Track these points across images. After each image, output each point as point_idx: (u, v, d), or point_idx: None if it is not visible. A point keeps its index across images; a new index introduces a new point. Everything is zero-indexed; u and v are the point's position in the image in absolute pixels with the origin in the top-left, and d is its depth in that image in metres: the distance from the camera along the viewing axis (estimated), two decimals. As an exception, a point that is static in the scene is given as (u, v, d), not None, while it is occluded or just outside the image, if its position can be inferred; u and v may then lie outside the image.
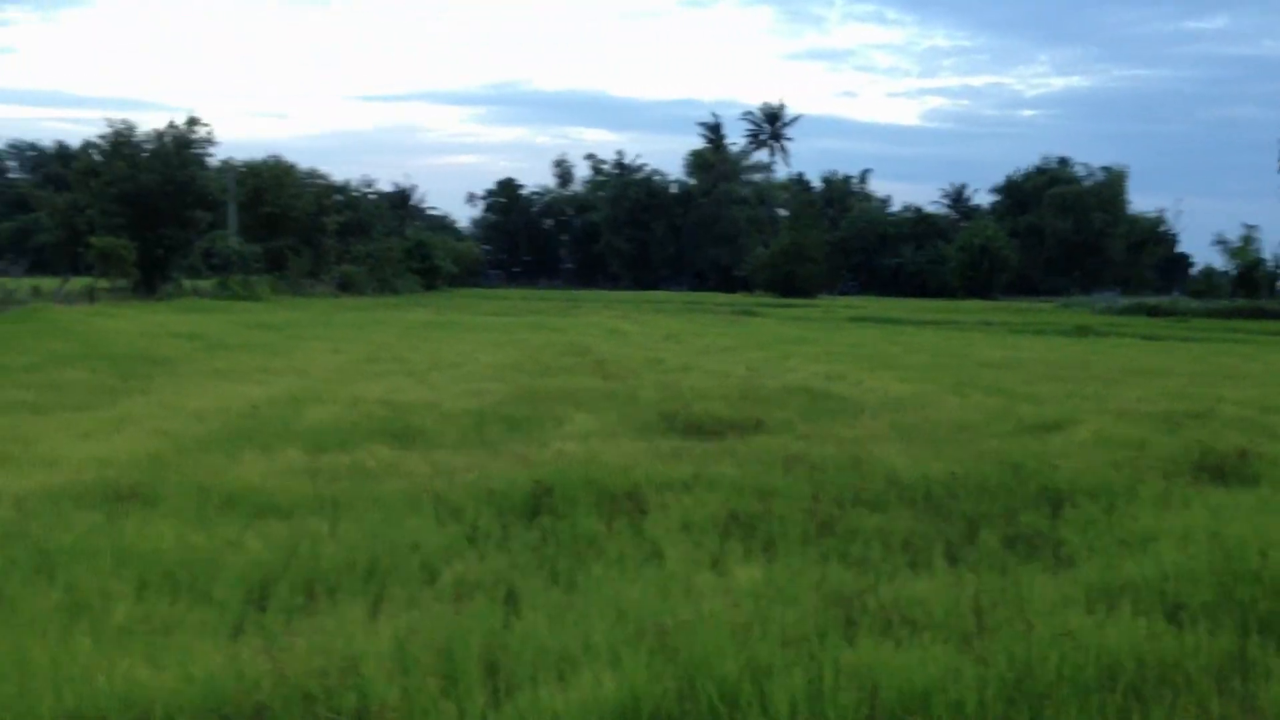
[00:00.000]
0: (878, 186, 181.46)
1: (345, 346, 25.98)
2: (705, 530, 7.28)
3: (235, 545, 6.99)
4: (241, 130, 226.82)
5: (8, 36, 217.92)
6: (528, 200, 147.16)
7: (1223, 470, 10.27)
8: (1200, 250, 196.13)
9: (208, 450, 10.65)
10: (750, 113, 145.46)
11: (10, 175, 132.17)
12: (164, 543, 6.99)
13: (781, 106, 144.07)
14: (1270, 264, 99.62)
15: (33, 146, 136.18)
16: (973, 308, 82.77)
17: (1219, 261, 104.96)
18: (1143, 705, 4.61)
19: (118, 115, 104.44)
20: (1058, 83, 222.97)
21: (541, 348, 26.23)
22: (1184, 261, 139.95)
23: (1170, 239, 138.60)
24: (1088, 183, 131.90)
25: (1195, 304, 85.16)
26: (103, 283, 53.80)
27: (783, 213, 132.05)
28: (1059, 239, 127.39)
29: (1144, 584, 6.31)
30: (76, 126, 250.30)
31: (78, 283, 53.18)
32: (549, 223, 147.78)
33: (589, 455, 9.54)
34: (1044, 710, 4.49)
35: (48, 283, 53.84)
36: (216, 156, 69.36)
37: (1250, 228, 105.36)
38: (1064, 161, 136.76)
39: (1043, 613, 5.65)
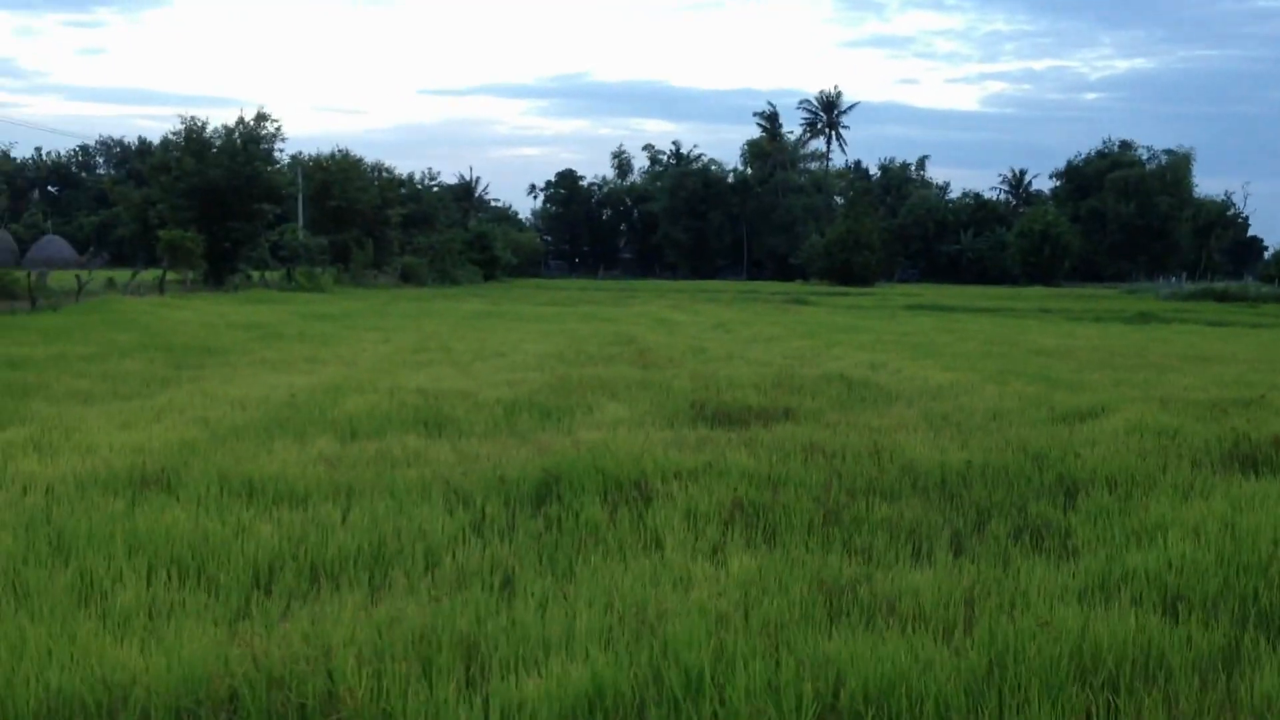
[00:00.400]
0: (938, 173, 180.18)
1: (396, 336, 26.18)
2: (708, 519, 7.27)
3: (246, 531, 7.10)
4: (317, 125, 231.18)
5: (99, 38, 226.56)
6: (587, 191, 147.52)
7: (1255, 459, 10.04)
8: (1275, 234, 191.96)
9: (241, 438, 10.81)
10: (807, 101, 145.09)
11: (99, 171, 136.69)
12: (178, 529, 7.10)
13: (838, 94, 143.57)
14: None
15: (118, 143, 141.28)
16: (1033, 294, 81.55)
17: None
18: (1117, 698, 4.57)
19: (200, 112, 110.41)
20: (1122, 65, 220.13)
21: (588, 337, 26.26)
22: (1257, 245, 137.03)
23: (1240, 222, 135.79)
24: (1151, 166, 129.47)
25: (1266, 289, 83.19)
26: (173, 275, 54.88)
27: (840, 201, 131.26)
28: (1122, 223, 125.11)
29: (1146, 575, 6.22)
30: (159, 124, 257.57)
31: (148, 275, 54.27)
32: (608, 213, 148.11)
33: (602, 444, 9.54)
34: (1010, 702, 4.47)
35: (121, 275, 55.03)
36: (287, 151, 71.23)
37: None
38: (1126, 145, 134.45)
39: (1035, 604, 5.60)
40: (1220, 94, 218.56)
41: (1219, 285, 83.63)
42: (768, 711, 4.27)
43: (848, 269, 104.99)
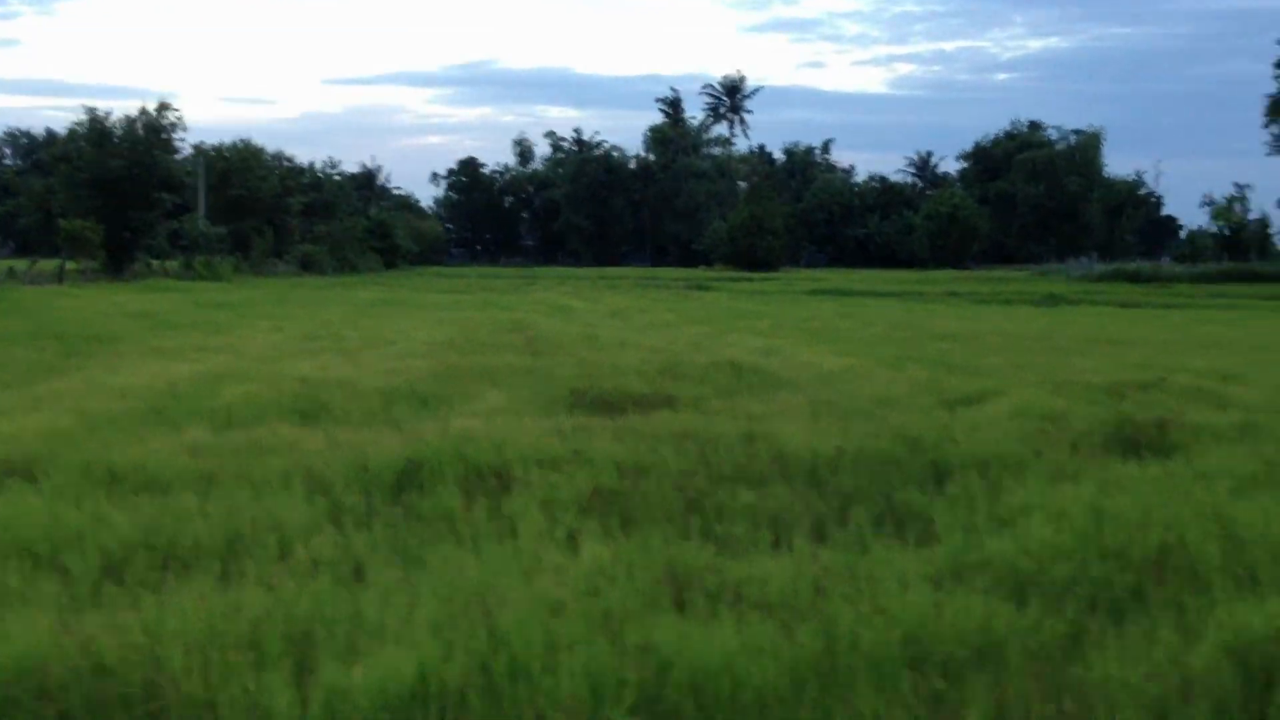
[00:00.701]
0: (846, 156, 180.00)
1: (288, 325, 25.95)
2: (566, 508, 7.20)
3: (102, 520, 6.94)
4: (225, 115, 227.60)
5: (11, 30, 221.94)
6: (489, 179, 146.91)
7: (1138, 442, 10.09)
8: (1190, 213, 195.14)
9: (115, 428, 10.58)
10: (710, 86, 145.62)
11: (5, 163, 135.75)
12: (33, 517, 6.94)
13: (741, 79, 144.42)
14: (1260, 224, 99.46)
15: (26, 134, 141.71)
16: (941, 278, 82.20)
17: (1211, 224, 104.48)
18: (945, 684, 4.56)
19: (110, 103, 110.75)
20: (1034, 44, 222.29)
21: (480, 325, 26.15)
22: (1171, 225, 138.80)
23: (1153, 201, 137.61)
24: (1060, 146, 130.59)
25: (1180, 269, 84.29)
26: (72, 264, 54.38)
27: (743, 186, 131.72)
28: (1032, 205, 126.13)
29: (1001, 561, 6.21)
30: (69, 115, 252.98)
31: (47, 264, 53.68)
32: (510, 201, 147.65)
33: (470, 432, 9.44)
34: (834, 689, 4.47)
35: (21, 264, 54.45)
36: (193, 141, 71.78)
37: (1242, 187, 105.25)
38: (1035, 125, 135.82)
39: (885, 591, 5.57)
40: (1135, 73, 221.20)
41: (1131, 266, 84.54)
42: (586, 700, 4.25)
43: (751, 254, 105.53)
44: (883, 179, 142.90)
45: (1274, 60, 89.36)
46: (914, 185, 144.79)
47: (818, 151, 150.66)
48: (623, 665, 4.44)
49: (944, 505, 7.67)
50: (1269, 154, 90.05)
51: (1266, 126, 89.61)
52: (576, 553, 6.19)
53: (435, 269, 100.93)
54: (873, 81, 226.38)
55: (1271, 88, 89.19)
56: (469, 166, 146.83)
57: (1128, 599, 5.76)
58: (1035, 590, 5.79)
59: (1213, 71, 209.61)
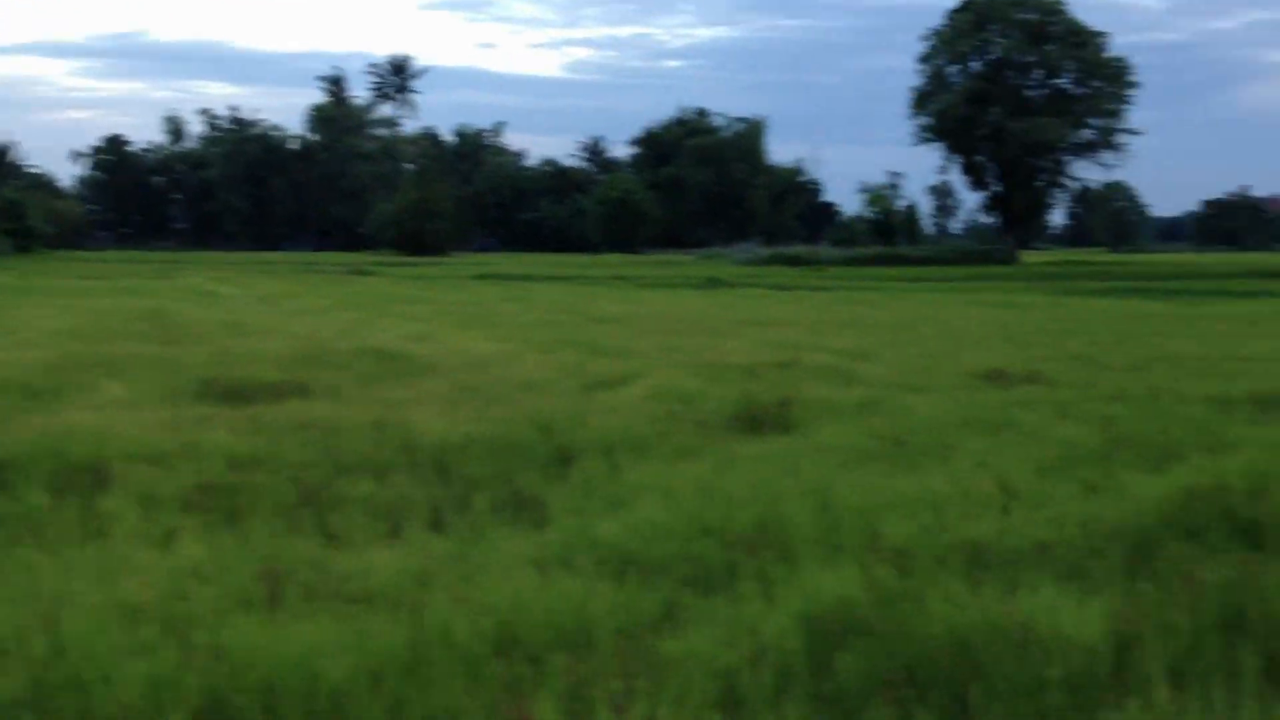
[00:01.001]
0: (520, 140, 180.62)
1: (-113, 314, 23.70)
2: (167, 505, 6.87)
3: None
4: None
5: None
6: (137, 157, 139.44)
7: (761, 420, 10.42)
8: (849, 199, 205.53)
9: None
10: (375, 65, 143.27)
11: None
12: None
13: (408, 58, 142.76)
14: (909, 210, 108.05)
15: None
16: (611, 262, 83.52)
17: (866, 210, 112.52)
18: (531, 668, 4.58)
19: None
20: (703, 33, 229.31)
21: (113, 313, 24.71)
22: (830, 211, 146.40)
23: (812, 188, 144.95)
24: (726, 133, 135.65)
25: (835, 252, 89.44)
26: None
27: (411, 167, 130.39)
28: (700, 190, 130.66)
29: (608, 543, 6.26)
30: None
31: None
32: (160, 181, 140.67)
33: (73, 426, 8.87)
34: (416, 682, 4.40)
35: None
36: None
37: (895, 175, 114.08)
38: (702, 112, 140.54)
39: (490, 578, 5.53)
40: (800, 63, 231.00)
41: (791, 250, 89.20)
42: (145, 709, 4.04)
43: (419, 238, 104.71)
44: (554, 163, 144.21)
45: (917, 56, 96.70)
46: (586, 170, 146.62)
47: (489, 134, 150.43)
48: (189, 670, 4.24)
49: (564, 489, 7.71)
50: (915, 144, 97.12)
51: (913, 118, 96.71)
52: (169, 552, 5.88)
53: (75, 253, 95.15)
54: (547, 65, 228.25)
55: (917, 81, 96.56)
56: (115, 144, 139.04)
57: (722, 574, 5.91)
58: (636, 570, 5.84)
59: (868, 64, 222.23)
